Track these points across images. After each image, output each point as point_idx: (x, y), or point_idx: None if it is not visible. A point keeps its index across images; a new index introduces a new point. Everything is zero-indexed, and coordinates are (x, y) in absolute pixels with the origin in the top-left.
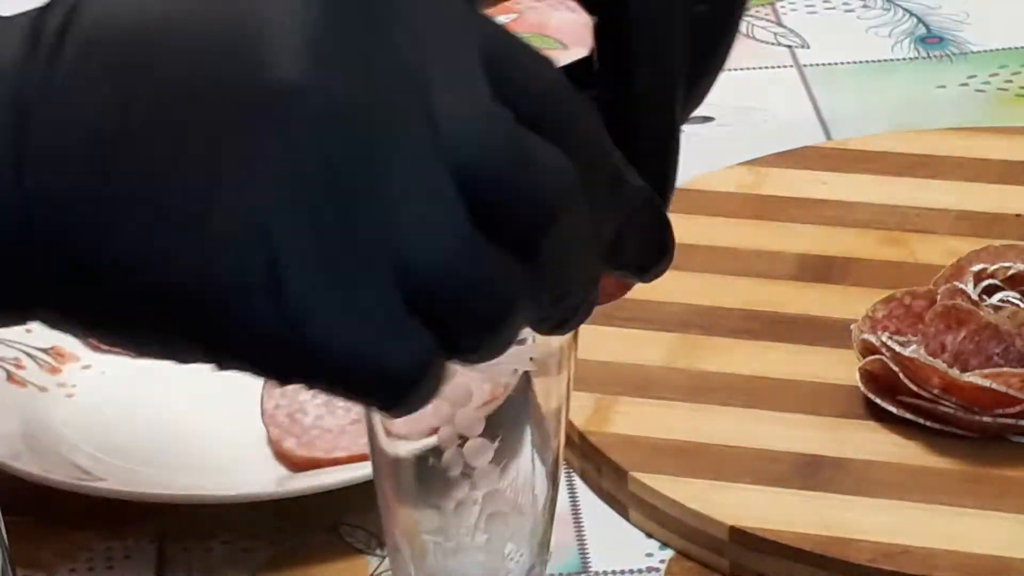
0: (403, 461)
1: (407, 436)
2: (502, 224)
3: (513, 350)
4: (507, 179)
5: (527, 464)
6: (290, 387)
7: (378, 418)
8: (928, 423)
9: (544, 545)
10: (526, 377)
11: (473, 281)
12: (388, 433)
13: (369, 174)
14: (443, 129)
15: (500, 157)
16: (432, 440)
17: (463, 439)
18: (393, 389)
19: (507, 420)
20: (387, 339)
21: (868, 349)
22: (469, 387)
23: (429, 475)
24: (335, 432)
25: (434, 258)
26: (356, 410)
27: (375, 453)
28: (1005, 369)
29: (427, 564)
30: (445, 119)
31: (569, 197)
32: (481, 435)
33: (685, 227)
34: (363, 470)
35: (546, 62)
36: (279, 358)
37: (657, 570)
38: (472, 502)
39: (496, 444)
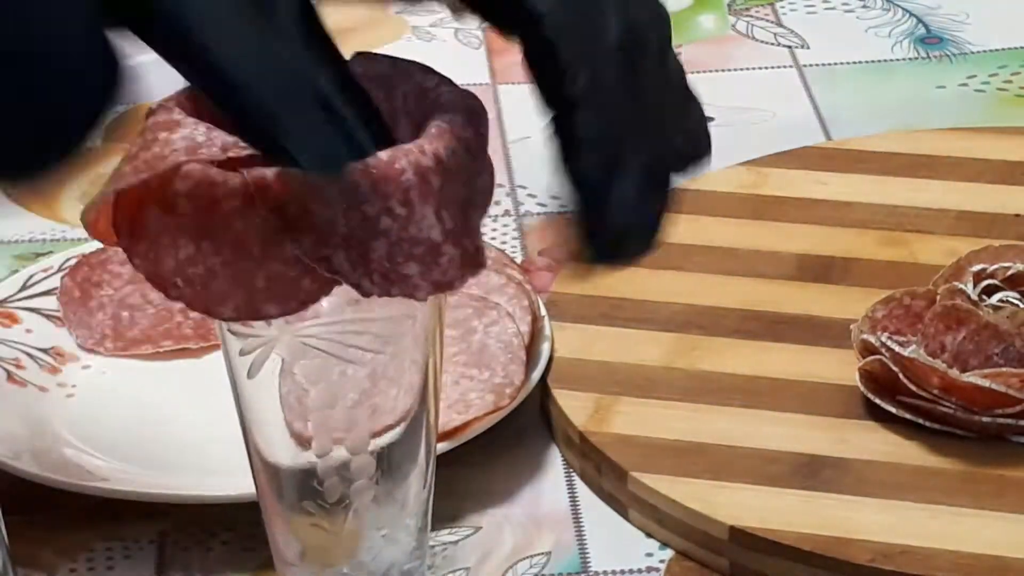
0: (284, 471)
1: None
2: None
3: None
4: None
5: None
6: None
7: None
8: (927, 423)
9: (423, 530)
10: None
11: None
12: (299, 442)
13: None
14: None
15: None
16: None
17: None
18: None
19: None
20: None
21: (868, 349)
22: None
23: (309, 484)
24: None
25: None
26: (350, 396)
27: (256, 467)
28: (1005, 369)
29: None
30: None
31: None
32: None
33: (685, 227)
34: None
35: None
36: None
37: (657, 570)
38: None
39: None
